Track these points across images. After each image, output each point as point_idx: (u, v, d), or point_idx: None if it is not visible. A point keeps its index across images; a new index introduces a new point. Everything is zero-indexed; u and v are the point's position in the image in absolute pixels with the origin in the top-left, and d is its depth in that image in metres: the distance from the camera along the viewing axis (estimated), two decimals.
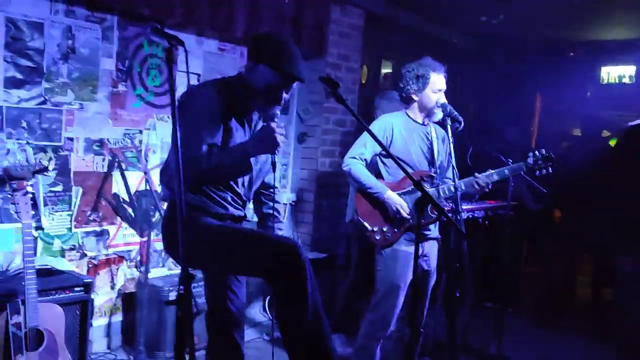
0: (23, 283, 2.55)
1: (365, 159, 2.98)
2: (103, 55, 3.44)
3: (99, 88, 3.44)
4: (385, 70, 5.78)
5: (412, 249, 2.91)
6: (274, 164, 2.26)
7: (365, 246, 3.41)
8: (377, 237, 2.96)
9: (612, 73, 6.52)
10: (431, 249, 3.05)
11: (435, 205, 2.14)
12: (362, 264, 3.84)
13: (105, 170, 3.51)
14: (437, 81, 2.93)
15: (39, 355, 2.58)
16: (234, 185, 2.28)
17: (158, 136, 3.80)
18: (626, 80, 6.46)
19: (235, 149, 2.13)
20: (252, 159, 2.19)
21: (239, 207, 2.34)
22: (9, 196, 2.83)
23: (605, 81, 6.55)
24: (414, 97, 2.97)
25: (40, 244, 3.23)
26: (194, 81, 3.93)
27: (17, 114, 3.09)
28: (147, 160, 3.74)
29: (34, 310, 2.55)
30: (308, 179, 4.80)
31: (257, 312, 4.40)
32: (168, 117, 3.82)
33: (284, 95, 2.19)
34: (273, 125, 2.06)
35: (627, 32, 5.73)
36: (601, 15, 5.16)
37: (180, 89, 3.89)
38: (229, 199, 2.28)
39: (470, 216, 4.09)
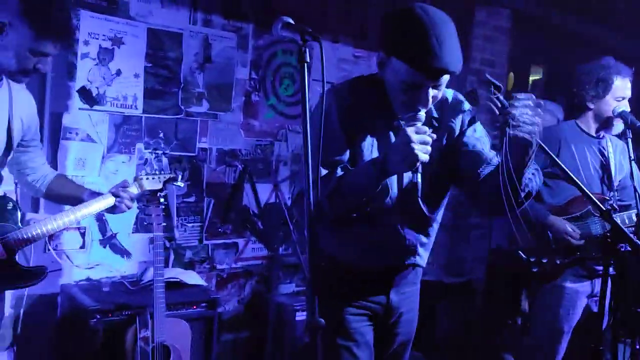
0: (153, 296, 2.49)
1: None
2: (238, 65, 3.37)
3: (233, 98, 3.37)
4: (535, 77, 5.21)
5: (580, 286, 2.46)
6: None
7: (510, 276, 2.97)
8: (535, 270, 2.52)
9: None
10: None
11: (627, 239, 1.69)
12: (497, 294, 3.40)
13: (235, 181, 3.43)
14: (621, 87, 2.45)
15: None
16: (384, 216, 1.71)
17: (289, 147, 3.66)
18: None
19: (362, 167, 1.64)
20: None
21: (397, 251, 1.76)
22: (143, 207, 2.84)
23: None
24: (590, 104, 2.50)
25: (172, 255, 3.22)
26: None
27: (155, 124, 3.10)
28: (277, 172, 3.62)
29: (161, 325, 2.48)
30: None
31: None
32: (300, 128, 3.67)
33: (432, 93, 1.58)
34: (410, 131, 1.48)
35: None
36: None
37: (314, 99, 3.75)
38: (376, 241, 1.74)
39: None
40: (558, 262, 2.46)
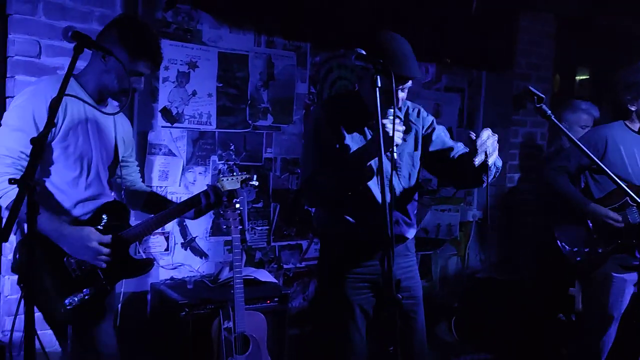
0: (232, 291, 2.79)
1: (569, 172, 2.75)
2: (297, 80, 3.68)
3: (294, 111, 3.68)
4: (581, 77, 5.31)
5: (627, 275, 2.61)
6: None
7: (557, 269, 3.14)
8: (578, 259, 2.69)
9: None
10: None
11: None
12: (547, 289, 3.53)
13: (298, 187, 3.73)
14: None
15: (246, 359, 2.81)
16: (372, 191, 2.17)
17: None
18: None
19: (350, 155, 2.10)
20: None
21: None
22: (221, 212, 3.15)
23: None
24: (630, 106, 2.67)
25: (244, 255, 3.54)
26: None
27: (226, 138, 3.44)
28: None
29: (241, 317, 2.79)
30: (494, 196, 4.58)
31: (443, 331, 4.28)
32: None
33: (400, 94, 2.07)
34: (385, 121, 1.91)
35: None
36: None
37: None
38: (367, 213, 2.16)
39: None
40: (600, 250, 2.63)
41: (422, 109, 2.33)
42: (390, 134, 1.90)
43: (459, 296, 4.35)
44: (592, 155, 2.12)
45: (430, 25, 3.99)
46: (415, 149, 2.26)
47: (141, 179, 2.53)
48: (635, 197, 1.89)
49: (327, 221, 2.28)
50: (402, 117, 2.22)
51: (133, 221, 2.23)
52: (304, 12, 3.54)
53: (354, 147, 2.13)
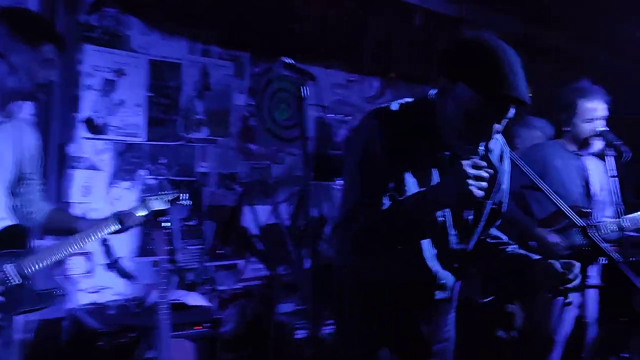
0: (157, 317, 2.57)
1: (512, 191, 2.68)
2: (235, 91, 3.51)
3: (230, 123, 3.50)
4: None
5: (570, 296, 2.55)
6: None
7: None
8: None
9: None
10: (591, 297, 2.64)
11: (599, 251, 1.80)
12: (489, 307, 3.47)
13: (235, 204, 3.54)
14: (589, 110, 2.57)
15: None
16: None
17: (286, 169, 3.78)
18: None
19: (408, 200, 1.50)
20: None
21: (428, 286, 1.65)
22: (147, 232, 2.93)
23: None
24: (564, 127, 2.64)
25: (174, 277, 3.31)
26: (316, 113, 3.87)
27: (156, 151, 3.22)
28: (275, 194, 3.73)
29: (167, 346, 2.56)
30: None
31: None
32: (297, 150, 3.79)
33: (496, 126, 1.47)
34: (466, 165, 1.38)
35: None
36: None
37: (309, 122, 3.89)
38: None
39: None
40: None
41: (506, 147, 1.73)
42: (470, 186, 1.36)
43: None
44: (534, 175, 2.04)
45: (374, 39, 3.92)
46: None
47: (44, 199, 2.28)
48: (578, 222, 1.81)
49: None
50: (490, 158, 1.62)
51: None
52: (243, 20, 3.38)
53: (411, 189, 1.53)
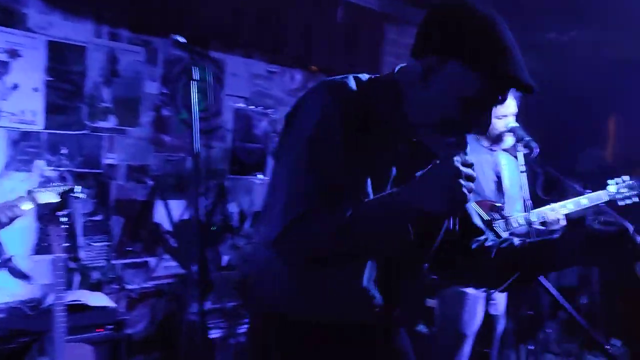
0: (52, 320, 2.37)
1: None
2: (147, 79, 3.31)
3: (141, 113, 3.30)
4: None
5: (479, 290, 2.58)
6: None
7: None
8: (434, 276, 2.62)
9: None
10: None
11: None
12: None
13: (146, 198, 3.35)
14: (500, 106, 2.60)
15: None
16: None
17: (203, 162, 3.62)
18: None
19: (381, 203, 1.16)
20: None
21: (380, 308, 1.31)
22: (42, 227, 2.71)
23: None
24: None
25: (77, 276, 3.08)
26: (238, 105, 3.74)
27: (57, 140, 2.97)
28: (190, 188, 3.56)
29: (62, 350, 2.36)
30: None
31: None
32: (213, 143, 3.64)
33: (492, 114, 1.25)
34: (457, 161, 1.08)
35: None
36: None
37: (228, 113, 3.76)
38: (359, 290, 1.28)
39: None
40: None
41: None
42: (463, 187, 1.06)
43: None
44: None
45: (296, 31, 3.83)
46: None
47: None
48: (483, 215, 1.80)
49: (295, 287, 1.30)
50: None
51: None
52: (155, 3, 3.19)
53: (372, 190, 1.23)
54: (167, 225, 3.44)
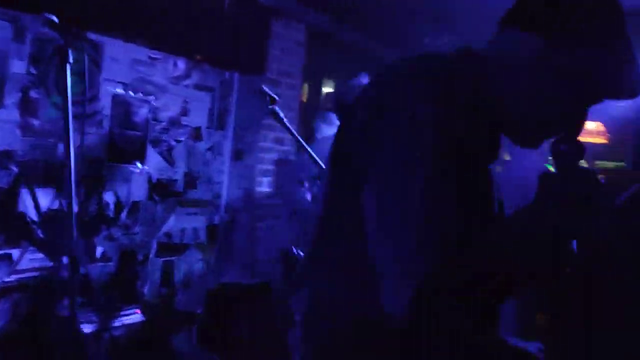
0: None
1: (301, 181, 2.78)
2: (13, 57, 3.07)
3: (6, 93, 3.06)
4: (327, 89, 5.63)
5: None
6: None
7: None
8: None
9: None
10: None
11: None
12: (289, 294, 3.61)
13: (9, 186, 3.11)
14: None
15: None
16: None
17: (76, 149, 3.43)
18: None
19: (525, 231, 0.89)
20: None
21: None
22: None
23: None
24: None
25: None
26: (118, 90, 3.59)
27: None
28: (61, 176, 3.36)
29: None
30: (242, 199, 4.54)
31: (182, 341, 4.06)
32: (90, 128, 3.47)
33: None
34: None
35: None
36: None
37: (106, 99, 3.59)
38: None
39: None
40: None
41: None
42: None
43: (202, 303, 4.17)
44: (325, 167, 2.12)
45: (180, 18, 3.75)
46: None
47: None
48: None
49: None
50: None
51: None
52: None
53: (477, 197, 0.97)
54: (33, 215, 3.23)
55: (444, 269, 0.81)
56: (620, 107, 5.53)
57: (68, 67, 1.37)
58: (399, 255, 0.84)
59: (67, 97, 1.34)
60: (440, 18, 4.68)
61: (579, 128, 1.01)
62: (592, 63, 0.93)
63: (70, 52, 1.40)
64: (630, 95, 0.96)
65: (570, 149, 0.94)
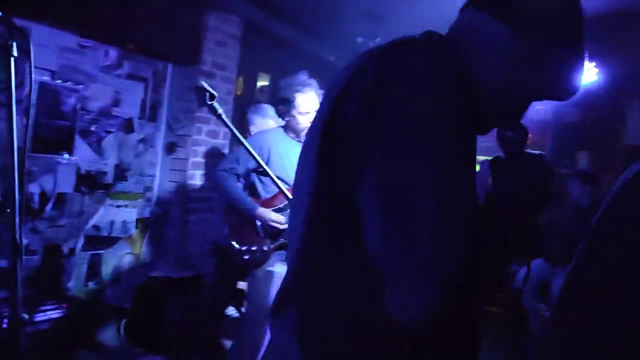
0: None
1: (237, 174, 2.81)
2: None
3: None
4: (262, 83, 5.65)
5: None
6: None
7: (230, 267, 3.21)
8: (246, 257, 2.79)
9: None
10: None
11: None
12: (221, 286, 3.63)
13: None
14: (305, 103, 2.81)
15: None
16: None
17: None
18: None
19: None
20: None
21: None
22: None
23: None
24: (284, 118, 2.87)
25: None
26: (44, 79, 3.47)
27: None
28: None
29: None
30: (175, 192, 4.49)
31: (110, 336, 3.98)
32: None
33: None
34: None
35: None
36: None
37: (32, 86, 3.44)
38: None
39: None
40: (266, 248, 2.77)
41: None
42: None
43: (131, 297, 4.11)
44: (259, 159, 2.17)
45: (112, 5, 3.66)
46: None
47: None
48: (290, 199, 1.99)
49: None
50: None
51: None
52: None
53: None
54: None
55: (467, 262, 0.75)
56: (540, 110, 5.93)
57: (12, 60, 1.33)
58: (414, 251, 0.75)
59: (11, 90, 1.31)
60: (374, 19, 4.81)
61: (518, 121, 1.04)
62: (546, 60, 0.94)
63: (13, 45, 1.36)
64: (567, 97, 0.99)
65: (517, 135, 1.00)
